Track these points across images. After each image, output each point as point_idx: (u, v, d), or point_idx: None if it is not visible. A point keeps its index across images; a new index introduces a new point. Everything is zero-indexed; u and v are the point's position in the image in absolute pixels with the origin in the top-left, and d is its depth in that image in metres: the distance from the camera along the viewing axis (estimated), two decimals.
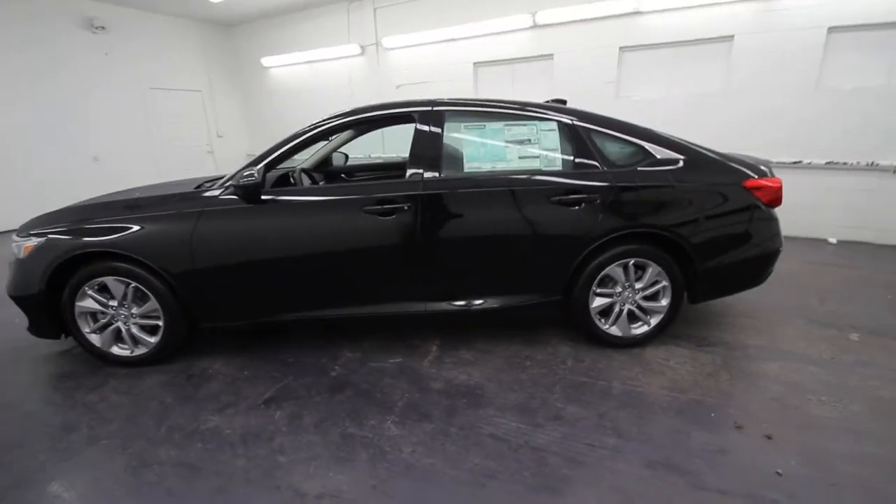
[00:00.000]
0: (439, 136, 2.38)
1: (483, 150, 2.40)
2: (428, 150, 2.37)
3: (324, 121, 2.47)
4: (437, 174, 2.34)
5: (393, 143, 6.90)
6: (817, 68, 4.71)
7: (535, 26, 5.86)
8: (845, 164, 4.73)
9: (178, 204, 2.36)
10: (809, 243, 4.78)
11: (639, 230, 2.38)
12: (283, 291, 2.43)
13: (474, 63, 6.45)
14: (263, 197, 2.32)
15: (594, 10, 5.42)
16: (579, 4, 5.48)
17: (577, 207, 2.33)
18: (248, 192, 2.26)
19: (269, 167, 2.39)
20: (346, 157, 4.11)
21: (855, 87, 4.58)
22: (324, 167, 3.85)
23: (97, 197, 2.86)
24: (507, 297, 2.48)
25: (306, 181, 3.06)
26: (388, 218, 2.29)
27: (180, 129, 8.50)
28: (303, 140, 2.42)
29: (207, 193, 2.38)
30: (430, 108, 2.42)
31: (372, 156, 7.36)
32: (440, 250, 2.36)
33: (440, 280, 2.44)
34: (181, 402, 2.19)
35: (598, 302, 2.50)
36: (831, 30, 4.58)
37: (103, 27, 7.00)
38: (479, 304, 2.47)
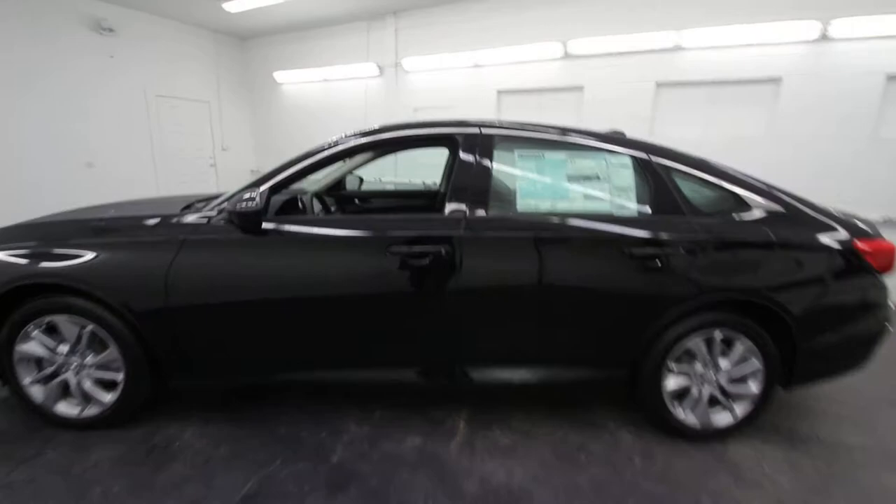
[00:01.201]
0: (488, 165, 1.93)
1: (541, 186, 1.95)
2: (473, 181, 1.91)
3: (345, 138, 2.02)
4: (483, 212, 1.88)
5: (407, 168, 6.51)
6: (874, 117, 4.36)
7: (566, 56, 5.56)
8: None
9: (156, 229, 1.88)
10: None
11: (729, 295, 1.91)
12: (280, 346, 1.93)
13: (498, 91, 6.13)
14: (265, 226, 1.85)
15: (632, 42, 5.12)
16: (615, 35, 5.18)
17: (656, 263, 1.86)
18: (245, 220, 1.79)
19: (274, 190, 1.93)
20: (361, 180, 3.68)
21: None
22: (336, 191, 3.40)
23: (67, 211, 2.38)
24: (560, 369, 1.99)
25: (318, 208, 2.60)
26: (419, 262, 1.82)
27: (184, 139, 8.12)
28: (318, 160, 1.97)
29: (192, 218, 1.90)
30: (477, 131, 1.98)
31: (383, 180, 6.98)
32: (482, 306, 1.88)
33: (478, 342, 1.94)
34: (133, 492, 1.65)
35: (672, 382, 2.00)
36: (892, 78, 4.25)
37: (111, 29, 6.70)
38: (525, 377, 1.97)
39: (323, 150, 1.98)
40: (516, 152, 1.97)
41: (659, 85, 5.21)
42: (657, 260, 1.85)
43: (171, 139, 7.87)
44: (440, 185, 3.56)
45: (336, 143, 1.99)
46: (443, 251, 1.81)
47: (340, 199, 3.36)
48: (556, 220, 1.88)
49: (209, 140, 8.50)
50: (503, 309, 1.89)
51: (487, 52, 5.92)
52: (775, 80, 4.73)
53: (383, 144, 2.06)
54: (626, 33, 5.14)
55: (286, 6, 6.39)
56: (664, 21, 5.00)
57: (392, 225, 1.90)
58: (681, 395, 2.04)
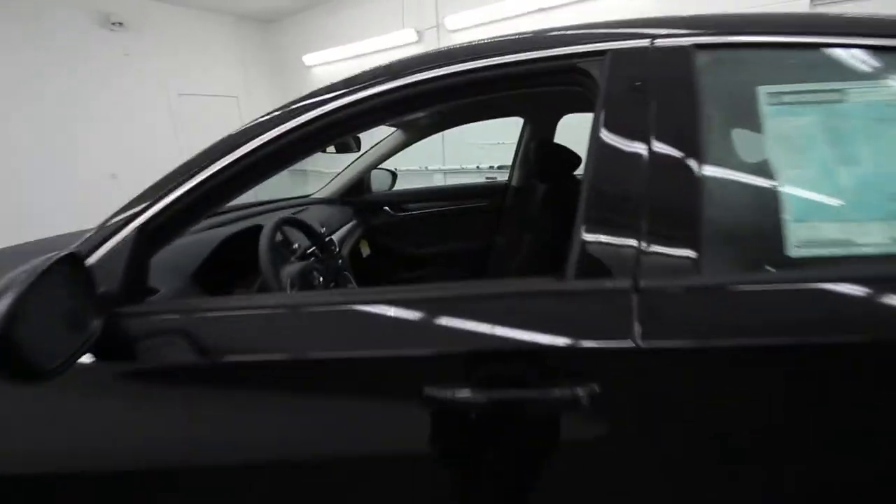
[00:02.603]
0: (685, 136, 0.69)
1: (852, 180, 0.68)
2: (648, 183, 0.67)
3: (312, 100, 0.86)
4: (690, 266, 0.64)
5: (456, 147, 5.33)
6: None
7: None
8: None
9: None
10: None
11: None
12: None
13: None
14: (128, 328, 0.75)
15: None
16: None
17: None
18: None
19: (159, 239, 0.82)
20: (394, 176, 2.54)
21: None
22: (355, 195, 2.31)
23: None
24: None
25: (303, 242, 1.47)
26: (507, 431, 0.64)
27: (213, 140, 7.40)
28: (239, 164, 0.84)
29: None
30: (646, 44, 0.74)
31: (429, 168, 5.85)
32: None
33: None
34: None
35: None
36: None
37: (121, 23, 6.00)
38: None
39: (250, 137, 0.84)
40: (762, 92, 0.70)
41: (815, 2, 3.60)
42: None
43: (199, 141, 7.08)
44: (511, 174, 2.35)
45: (290, 113, 0.85)
46: (580, 396, 0.61)
47: (361, 209, 2.25)
48: None
49: None
50: None
51: None
52: None
53: (401, 107, 0.85)
54: None
55: None
56: None
57: (422, 314, 0.71)
58: None
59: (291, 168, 1.02)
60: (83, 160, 5.94)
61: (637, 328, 0.61)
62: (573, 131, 2.16)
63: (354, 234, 2.15)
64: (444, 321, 0.68)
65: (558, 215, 1.74)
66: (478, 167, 5.29)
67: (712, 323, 0.62)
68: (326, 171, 3.32)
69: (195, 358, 0.73)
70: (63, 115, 5.71)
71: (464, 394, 0.63)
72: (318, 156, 2.35)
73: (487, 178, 4.84)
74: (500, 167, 4.83)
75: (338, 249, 1.71)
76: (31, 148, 5.51)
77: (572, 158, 1.73)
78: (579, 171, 1.81)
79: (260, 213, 1.59)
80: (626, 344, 0.61)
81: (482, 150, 5.05)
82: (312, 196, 2.23)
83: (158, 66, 6.54)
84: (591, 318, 0.64)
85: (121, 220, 0.79)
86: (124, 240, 0.78)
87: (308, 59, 7.38)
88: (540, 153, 1.76)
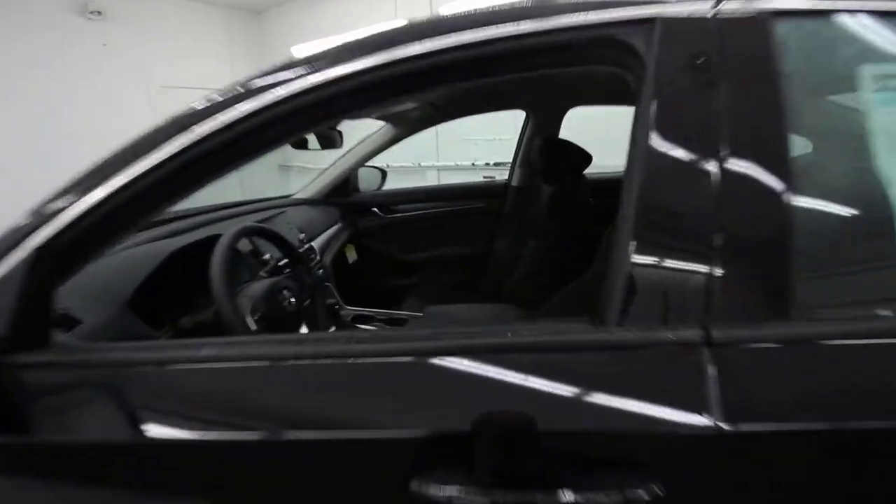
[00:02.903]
0: (771, 129, 0.50)
1: None
2: (719, 189, 0.49)
3: (272, 79, 0.68)
4: (777, 295, 0.46)
5: (449, 144, 5.14)
6: None
7: None
8: None
9: None
10: None
11: None
12: None
13: None
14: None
15: None
16: None
17: None
18: None
19: (56, 267, 0.62)
20: (383, 174, 2.34)
21: None
22: (341, 195, 2.12)
23: None
24: None
25: (271, 254, 1.26)
26: None
27: None
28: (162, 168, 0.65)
29: None
30: (708, 9, 0.54)
31: (422, 164, 5.65)
32: None
33: None
34: None
35: None
36: None
37: (99, 12, 5.72)
38: None
39: (194, 124, 0.66)
40: (867, 73, 0.53)
41: None
42: None
43: None
44: (511, 172, 2.18)
45: (221, 105, 0.66)
46: (635, 501, 0.43)
47: (347, 211, 2.06)
48: None
49: None
50: None
51: None
52: None
53: (379, 94, 0.67)
54: None
55: None
56: None
57: (406, 374, 0.53)
58: None
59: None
60: (55, 157, 5.60)
61: (714, 400, 0.43)
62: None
63: (339, 238, 1.96)
64: (436, 386, 0.50)
65: (565, 220, 1.57)
66: (473, 164, 5.11)
67: (818, 394, 0.44)
68: (311, 166, 3.09)
69: (108, 431, 0.54)
70: (34, 109, 5.42)
71: (462, 492, 0.45)
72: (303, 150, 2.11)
73: (485, 176, 4.64)
74: (496, 164, 4.65)
75: (318, 258, 1.53)
76: (4, 145, 5.22)
77: (581, 156, 1.56)
78: (588, 171, 1.64)
79: (227, 218, 1.39)
80: (700, 422, 0.43)
81: (477, 145, 4.87)
82: (293, 196, 2.04)
83: (139, 58, 6.26)
84: (644, 384, 0.46)
85: (11, 238, 0.60)
86: (16, 266, 0.59)
87: (297, 50, 7.14)
88: (545, 150, 1.58)
